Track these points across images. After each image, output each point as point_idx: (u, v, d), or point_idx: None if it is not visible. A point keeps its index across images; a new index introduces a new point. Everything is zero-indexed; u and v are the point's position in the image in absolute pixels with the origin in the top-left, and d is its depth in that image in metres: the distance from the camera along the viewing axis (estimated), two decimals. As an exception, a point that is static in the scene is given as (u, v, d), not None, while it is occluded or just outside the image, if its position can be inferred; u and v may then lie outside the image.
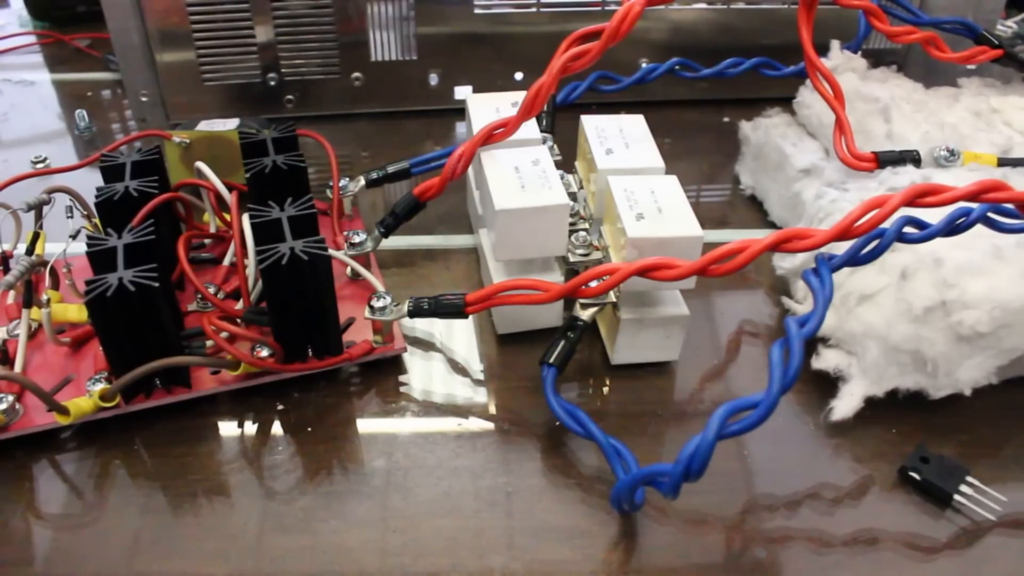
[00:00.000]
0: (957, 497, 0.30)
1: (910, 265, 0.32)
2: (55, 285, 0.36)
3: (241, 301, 0.34)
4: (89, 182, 0.37)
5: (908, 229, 0.30)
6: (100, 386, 0.31)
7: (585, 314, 0.34)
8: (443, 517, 0.30)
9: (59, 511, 0.30)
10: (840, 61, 0.44)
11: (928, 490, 0.31)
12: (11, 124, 0.53)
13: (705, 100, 0.55)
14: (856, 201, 0.34)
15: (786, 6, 0.51)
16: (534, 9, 0.50)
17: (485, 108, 0.39)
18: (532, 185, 0.34)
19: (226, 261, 0.38)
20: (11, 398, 0.31)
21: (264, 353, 0.33)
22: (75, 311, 0.34)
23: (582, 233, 0.36)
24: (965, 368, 0.32)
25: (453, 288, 0.36)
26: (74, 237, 0.37)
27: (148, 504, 0.30)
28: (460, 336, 0.38)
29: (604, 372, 0.36)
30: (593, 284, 0.31)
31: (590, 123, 0.39)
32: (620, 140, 0.38)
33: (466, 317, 0.33)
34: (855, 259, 0.30)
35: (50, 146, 0.51)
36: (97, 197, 0.34)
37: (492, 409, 0.35)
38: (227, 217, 0.39)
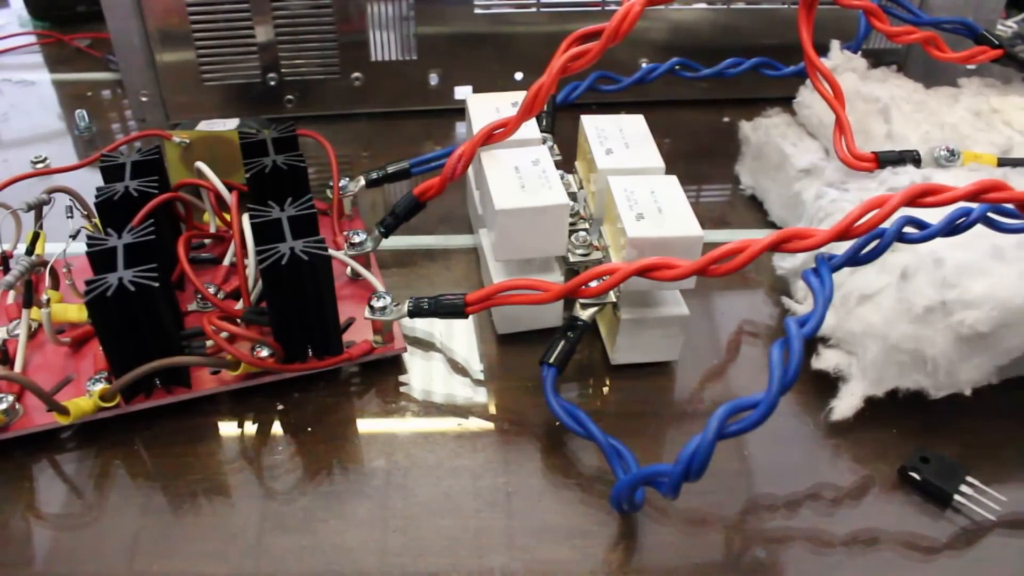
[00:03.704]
0: (957, 497, 0.30)
1: (910, 265, 0.32)
2: (55, 285, 0.36)
3: (241, 301, 0.34)
4: (89, 182, 0.37)
5: (908, 229, 0.30)
6: (100, 386, 0.31)
7: (585, 314, 0.34)
8: (443, 517, 0.30)
9: (59, 511, 0.30)
10: (840, 61, 0.44)
11: (928, 490, 0.31)
12: (11, 124, 0.53)
13: (705, 100, 0.55)
14: (856, 201, 0.34)
15: (786, 6, 0.51)
16: (534, 9, 0.50)
17: (485, 108, 0.39)
18: (532, 185, 0.34)
19: (226, 261, 0.38)
20: (11, 398, 0.31)
21: (264, 353, 0.33)
22: (75, 311, 0.34)
23: (582, 233, 0.36)
24: (965, 368, 0.32)
25: (453, 288, 0.36)
26: (74, 237, 0.37)
27: (148, 504, 0.30)
28: (460, 336, 0.38)
29: (604, 372, 0.36)
30: (593, 284, 0.31)
31: (590, 123, 0.39)
32: (620, 140, 0.38)
33: (466, 317, 0.33)
34: (855, 259, 0.30)
35: (50, 146, 0.51)
36: (97, 197, 0.34)
37: (492, 409, 0.35)
38: (227, 217, 0.39)
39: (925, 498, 0.31)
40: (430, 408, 0.34)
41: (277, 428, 0.33)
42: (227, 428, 0.33)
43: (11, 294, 0.36)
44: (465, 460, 0.32)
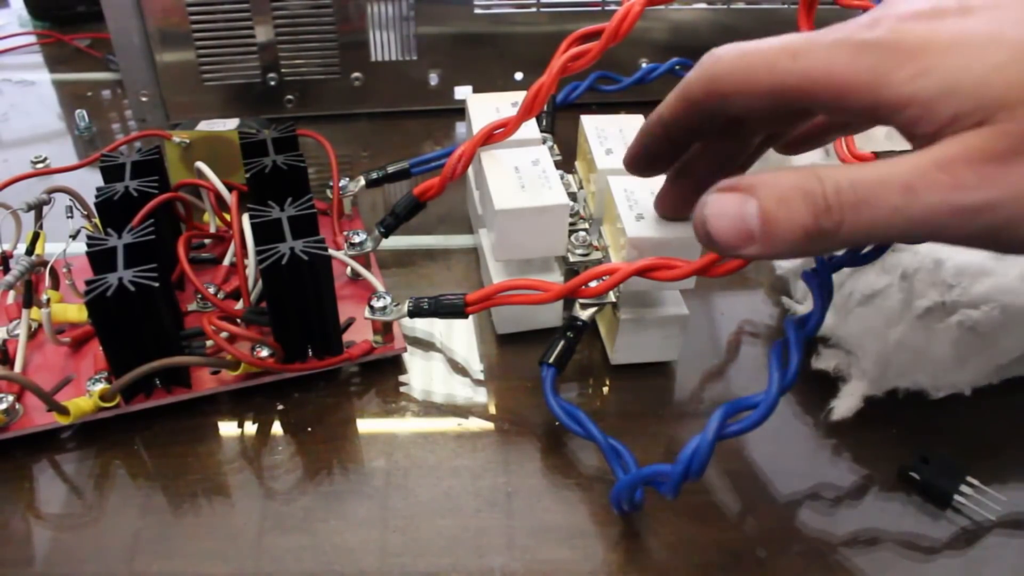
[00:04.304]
0: (957, 497, 0.30)
1: (910, 265, 0.32)
2: (55, 285, 0.36)
3: (241, 301, 0.34)
4: (89, 182, 0.37)
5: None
6: (100, 386, 0.31)
7: (585, 314, 0.34)
8: (443, 517, 0.30)
9: (59, 511, 0.30)
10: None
11: (928, 490, 0.31)
12: (11, 124, 0.53)
13: (705, 100, 0.54)
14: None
15: (786, 6, 0.51)
16: (534, 9, 0.50)
17: (485, 108, 0.39)
18: (532, 185, 0.34)
19: (226, 261, 0.38)
20: (11, 398, 0.31)
21: (264, 353, 0.33)
22: (75, 311, 0.34)
23: (582, 233, 0.36)
24: (965, 368, 0.32)
25: (453, 288, 0.36)
26: (74, 237, 0.37)
27: (148, 504, 0.30)
28: (460, 336, 0.38)
29: (604, 372, 0.36)
30: (593, 284, 0.31)
31: (590, 123, 0.39)
32: (620, 140, 0.38)
33: (466, 317, 0.33)
34: (855, 259, 0.30)
35: (50, 146, 0.51)
36: (97, 197, 0.34)
37: (492, 409, 0.35)
38: (227, 217, 0.39)
39: (925, 498, 0.31)
40: (430, 408, 0.34)
41: (277, 428, 0.33)
42: (227, 428, 0.33)
43: (11, 294, 0.36)
44: (465, 460, 0.32)
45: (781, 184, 0.22)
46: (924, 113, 0.21)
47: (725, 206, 0.22)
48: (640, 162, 0.30)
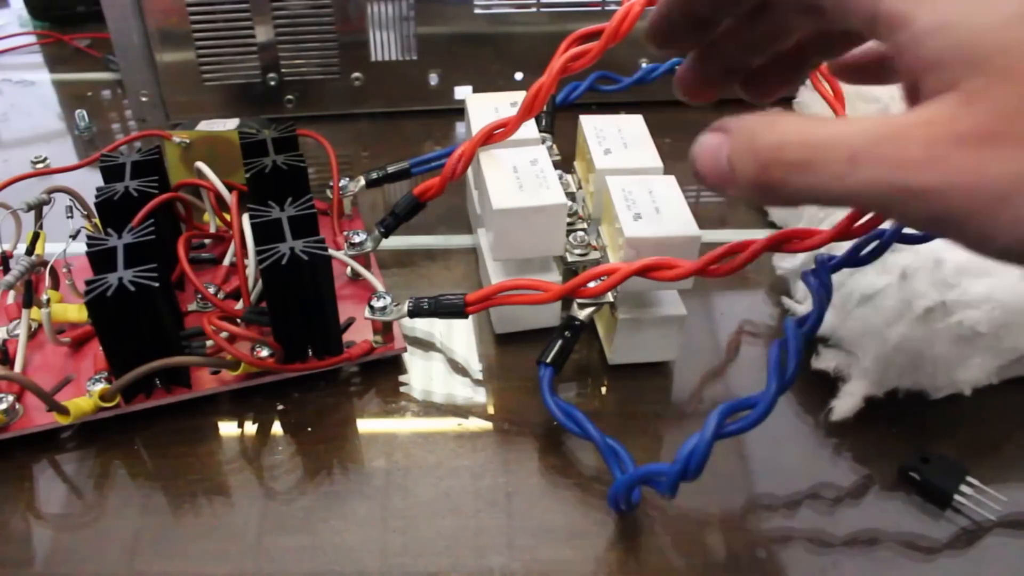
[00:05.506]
0: (957, 497, 0.30)
1: (910, 265, 0.32)
2: (55, 285, 0.36)
3: (241, 301, 0.34)
4: (89, 182, 0.37)
5: (908, 229, 0.30)
6: (100, 386, 0.31)
7: (582, 314, 0.34)
8: (443, 517, 0.30)
9: (59, 511, 0.30)
10: (840, 61, 0.44)
11: (928, 490, 0.31)
12: (11, 124, 0.53)
13: (705, 100, 0.54)
14: (856, 201, 0.34)
15: (786, 6, 0.51)
16: (534, 9, 0.50)
17: (485, 108, 0.39)
18: (530, 185, 0.34)
19: (226, 261, 0.38)
20: (11, 398, 0.31)
21: (264, 353, 0.33)
22: (75, 311, 0.34)
23: (580, 233, 0.36)
24: (965, 368, 0.32)
25: (453, 288, 0.36)
26: (74, 237, 0.37)
27: (148, 504, 0.30)
28: (460, 336, 0.38)
29: (602, 372, 0.36)
30: (592, 284, 0.31)
31: (589, 123, 0.39)
32: (619, 140, 0.38)
33: (466, 317, 0.33)
34: (855, 259, 0.30)
35: (50, 146, 0.51)
36: (97, 197, 0.34)
37: (492, 409, 0.35)
38: (227, 217, 0.39)
39: (925, 498, 0.31)
40: (430, 408, 0.34)
41: (277, 428, 0.33)
42: (227, 428, 0.33)
43: (11, 294, 0.36)
44: (465, 460, 0.32)
45: (744, 131, 0.20)
46: (911, 44, 0.18)
47: (707, 146, 0.22)
48: (660, 31, 0.26)
